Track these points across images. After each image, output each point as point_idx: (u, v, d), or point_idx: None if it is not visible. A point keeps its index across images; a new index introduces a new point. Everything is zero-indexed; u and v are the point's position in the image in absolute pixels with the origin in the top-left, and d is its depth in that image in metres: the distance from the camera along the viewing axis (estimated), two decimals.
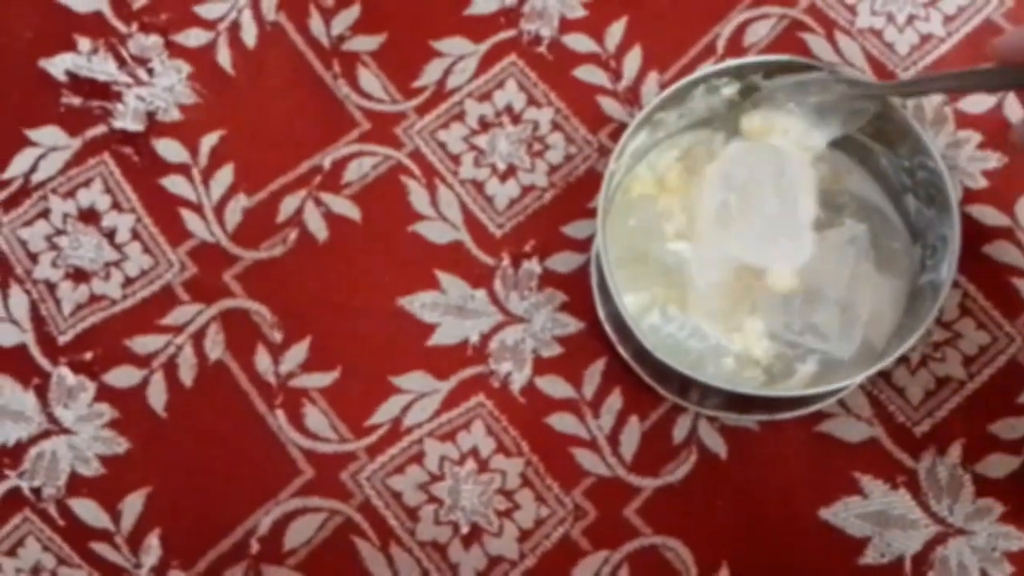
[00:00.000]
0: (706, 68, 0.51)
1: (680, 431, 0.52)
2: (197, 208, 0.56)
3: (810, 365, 0.50)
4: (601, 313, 0.53)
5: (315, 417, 0.52)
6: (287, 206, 0.56)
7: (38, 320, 0.54)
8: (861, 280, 0.50)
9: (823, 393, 0.50)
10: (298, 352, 0.54)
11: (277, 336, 0.54)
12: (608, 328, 0.53)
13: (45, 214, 0.56)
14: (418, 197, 0.56)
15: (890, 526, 0.50)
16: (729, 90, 0.53)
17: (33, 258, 0.55)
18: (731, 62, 0.52)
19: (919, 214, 0.51)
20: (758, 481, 0.51)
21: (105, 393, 0.53)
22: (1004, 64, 0.44)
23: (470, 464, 0.52)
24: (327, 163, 0.57)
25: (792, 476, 0.52)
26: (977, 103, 0.57)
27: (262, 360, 0.53)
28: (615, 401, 0.53)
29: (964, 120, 0.57)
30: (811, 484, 0.51)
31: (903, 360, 0.53)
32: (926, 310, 0.47)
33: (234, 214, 0.56)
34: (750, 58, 0.56)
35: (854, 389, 0.52)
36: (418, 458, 0.52)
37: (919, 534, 0.50)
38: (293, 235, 0.56)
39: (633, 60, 0.58)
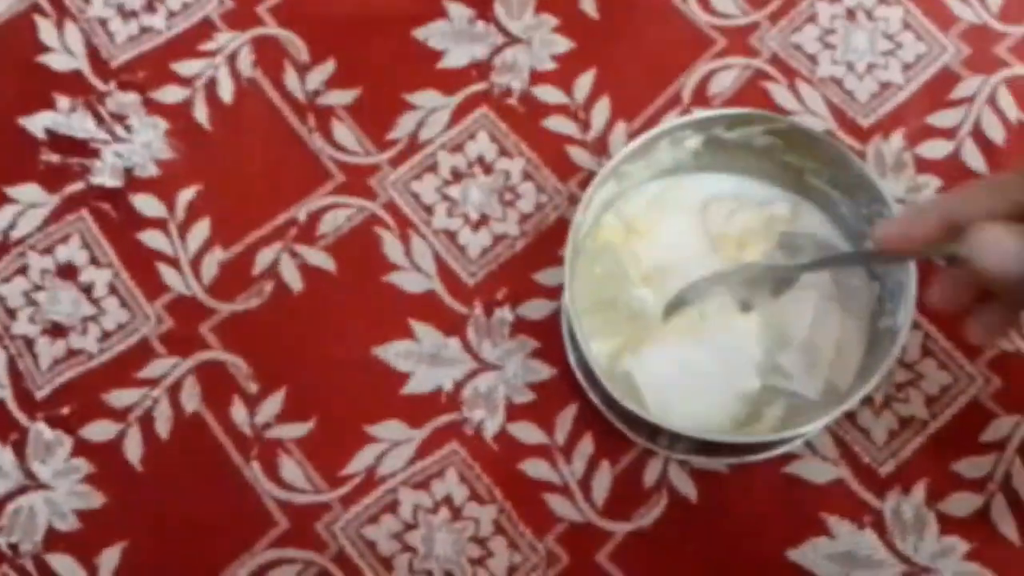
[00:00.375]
0: (671, 121, 0.53)
1: (651, 475, 0.53)
2: (173, 262, 0.57)
3: (776, 409, 0.51)
4: (571, 359, 0.54)
5: (290, 468, 0.53)
6: (263, 259, 0.57)
7: (16, 375, 0.55)
8: (824, 320, 0.52)
9: (790, 437, 0.51)
10: (273, 403, 0.54)
11: (253, 387, 0.55)
12: (578, 375, 0.54)
13: (23, 270, 0.57)
14: (392, 247, 0.57)
15: (857, 566, 0.51)
16: (693, 142, 0.54)
17: (11, 314, 0.56)
18: (695, 115, 0.53)
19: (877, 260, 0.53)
20: (728, 523, 0.52)
21: (82, 447, 0.53)
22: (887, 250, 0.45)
23: (444, 512, 0.52)
24: (302, 215, 0.58)
25: (761, 517, 0.52)
26: (935, 148, 0.59)
27: (238, 412, 0.54)
28: (586, 446, 0.54)
29: (923, 165, 0.58)
30: (780, 525, 0.52)
31: (867, 401, 0.54)
32: (886, 352, 0.49)
33: (210, 267, 0.57)
34: (713, 111, 0.58)
35: (820, 431, 0.53)
36: (392, 507, 0.53)
37: (886, 574, 0.51)
38: (269, 287, 0.57)
39: (601, 111, 0.60)
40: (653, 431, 0.52)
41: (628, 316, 0.53)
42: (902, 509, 0.52)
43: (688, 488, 0.53)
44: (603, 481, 0.53)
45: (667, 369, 0.52)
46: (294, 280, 0.57)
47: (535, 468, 0.53)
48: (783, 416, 0.51)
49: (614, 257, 0.54)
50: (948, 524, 0.52)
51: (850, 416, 0.54)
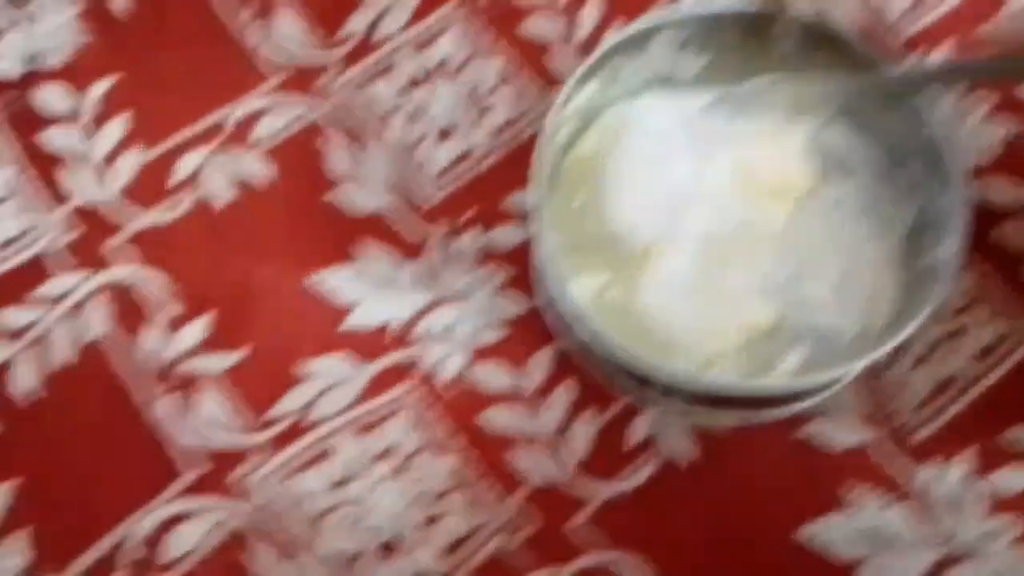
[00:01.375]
0: (673, 12, 0.44)
1: (639, 431, 0.44)
2: (81, 163, 0.48)
3: (794, 354, 0.42)
4: (540, 300, 0.45)
5: (207, 408, 0.44)
6: (185, 164, 0.48)
7: None
8: (858, 248, 0.43)
9: (809, 388, 0.42)
10: (191, 333, 0.45)
11: (167, 313, 0.46)
12: (550, 317, 0.45)
13: None
14: (339, 159, 0.49)
15: (883, 548, 0.42)
16: (698, 42, 0.45)
17: None
18: (703, 7, 0.44)
19: (919, 184, 0.44)
20: (728, 492, 0.43)
21: None
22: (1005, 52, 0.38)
23: (389, 463, 0.43)
24: (235, 117, 0.49)
25: (768, 488, 0.43)
26: None
27: (148, 340, 0.45)
28: (564, 395, 0.45)
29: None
30: (790, 498, 0.43)
31: (901, 355, 0.45)
32: (927, 293, 0.40)
33: (125, 171, 0.48)
34: (725, 4, 0.48)
35: (843, 389, 0.44)
36: (326, 455, 0.44)
37: (918, 559, 0.42)
38: (190, 198, 0.48)
39: (593, 7, 0.51)
40: (643, 379, 0.43)
41: (614, 251, 0.44)
42: (940, 483, 0.43)
43: (684, 448, 0.44)
44: (583, 436, 0.44)
45: (664, 304, 0.43)
46: (220, 191, 0.48)
47: (501, 417, 0.44)
48: (802, 363, 0.42)
49: (596, 181, 0.45)
50: (996, 502, 0.43)
51: (880, 372, 0.45)
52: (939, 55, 0.50)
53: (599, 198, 0.44)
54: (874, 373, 0.44)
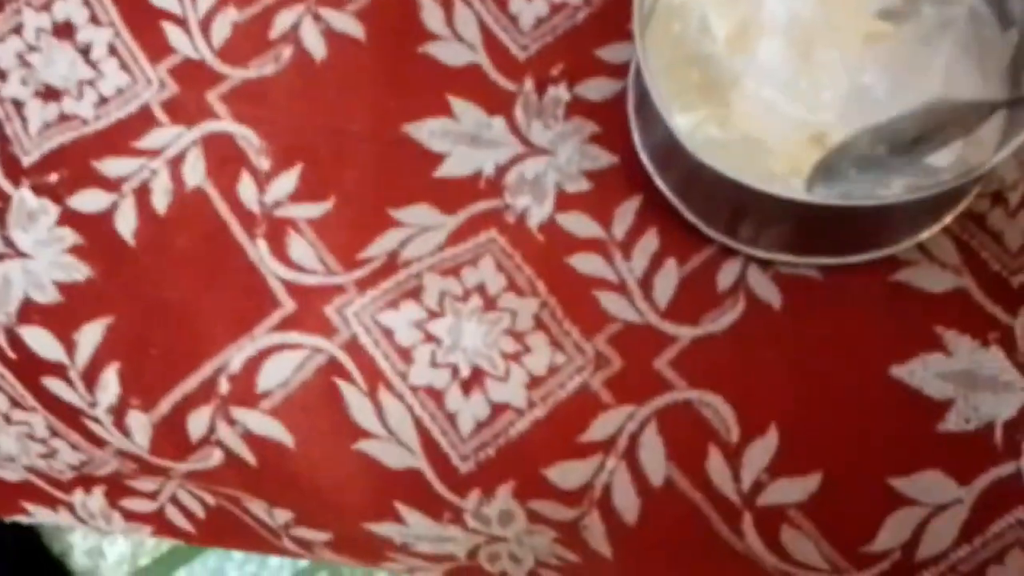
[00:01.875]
0: None
1: (726, 277, 0.44)
2: (181, 21, 0.49)
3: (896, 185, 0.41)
4: (638, 141, 0.45)
5: (301, 248, 0.46)
6: (282, 20, 0.49)
7: (2, 140, 0.48)
8: (959, 77, 0.41)
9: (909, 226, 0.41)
10: (287, 180, 0.47)
11: (265, 163, 0.47)
12: (645, 158, 0.45)
13: (18, 30, 0.50)
14: (431, 11, 0.49)
15: (978, 388, 0.42)
16: None
17: (2, 75, 0.49)
18: None
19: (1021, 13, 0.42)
20: (818, 334, 0.43)
21: (69, 217, 0.47)
22: None
23: (475, 301, 0.44)
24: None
25: (860, 329, 0.43)
26: None
27: (246, 188, 0.47)
28: (650, 242, 0.45)
29: None
30: (883, 338, 0.43)
31: (999, 200, 0.44)
32: None
33: (222, 28, 0.49)
34: None
35: (938, 233, 0.43)
36: (415, 293, 0.45)
37: (1014, 398, 0.41)
38: (287, 52, 0.49)
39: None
40: (733, 221, 0.43)
41: (711, 82, 0.43)
42: None
43: (771, 293, 0.44)
44: (668, 281, 0.44)
45: (760, 127, 0.42)
46: (317, 46, 0.49)
47: (587, 263, 0.45)
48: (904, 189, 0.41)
49: (696, 12, 0.44)
50: None
51: (977, 217, 0.44)
52: None
53: (699, 24, 0.43)
54: (970, 220, 0.43)
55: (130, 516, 0.49)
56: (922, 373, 0.42)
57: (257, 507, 0.46)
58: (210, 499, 0.47)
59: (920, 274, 0.43)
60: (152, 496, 0.48)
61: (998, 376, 0.42)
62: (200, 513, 0.48)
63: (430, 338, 0.44)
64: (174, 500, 0.48)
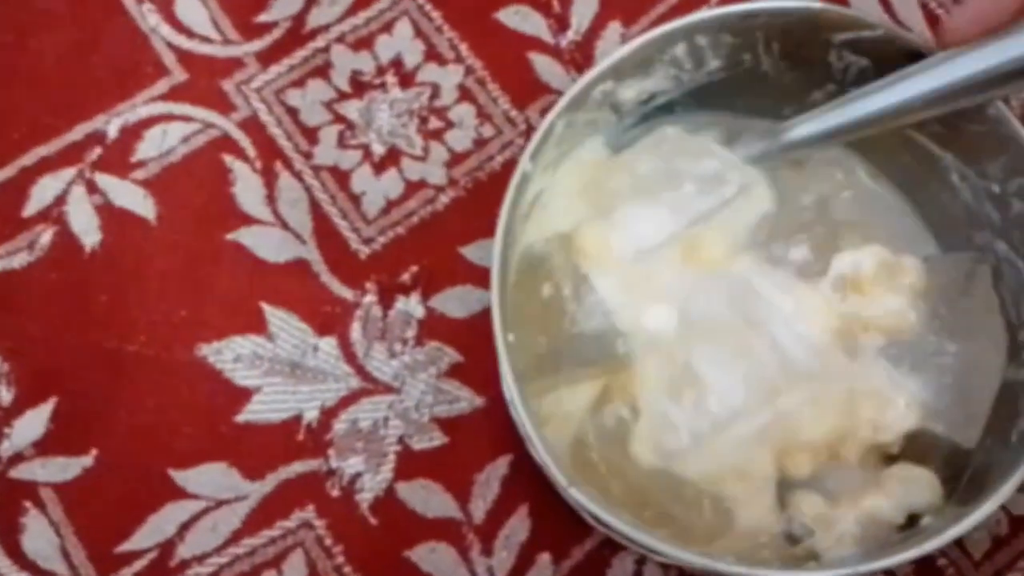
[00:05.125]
0: (689, 18, 0.32)
1: None
2: None
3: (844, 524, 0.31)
4: (510, 405, 0.34)
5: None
6: (43, 191, 0.37)
7: None
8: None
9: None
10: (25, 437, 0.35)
11: (5, 400, 0.35)
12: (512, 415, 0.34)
13: None
14: (247, 188, 0.37)
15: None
16: (719, 54, 0.34)
17: None
18: (726, 8, 0.32)
19: (1014, 271, 0.32)
20: None
21: None
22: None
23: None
24: (113, 129, 0.38)
25: None
26: None
27: None
28: (518, 528, 0.34)
29: None
30: None
31: None
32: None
33: None
34: (760, 3, 0.36)
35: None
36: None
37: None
38: (48, 236, 0.37)
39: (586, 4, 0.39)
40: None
41: (604, 357, 0.32)
42: None
43: None
44: None
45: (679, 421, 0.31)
46: (88, 228, 0.37)
47: (432, 560, 0.34)
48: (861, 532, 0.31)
49: (573, 262, 0.33)
50: None
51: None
52: None
53: (576, 284, 0.32)
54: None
55: None
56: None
57: None
58: None
59: None
60: None
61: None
62: None
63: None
64: None
